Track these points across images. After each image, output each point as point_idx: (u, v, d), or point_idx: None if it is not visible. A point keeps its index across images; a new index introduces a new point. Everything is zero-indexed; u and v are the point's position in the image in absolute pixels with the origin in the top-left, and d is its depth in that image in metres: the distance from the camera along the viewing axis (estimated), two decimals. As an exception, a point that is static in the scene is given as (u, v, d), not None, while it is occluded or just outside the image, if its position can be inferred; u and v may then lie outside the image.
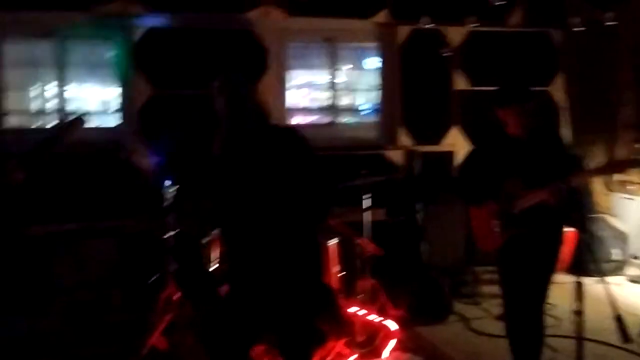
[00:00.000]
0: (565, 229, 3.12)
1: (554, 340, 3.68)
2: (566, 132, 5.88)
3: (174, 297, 3.82)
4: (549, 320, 3.37)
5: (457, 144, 5.81)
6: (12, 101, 5.13)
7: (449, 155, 5.80)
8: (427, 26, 5.18)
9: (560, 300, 3.53)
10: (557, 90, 6.05)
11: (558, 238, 3.06)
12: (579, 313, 2.77)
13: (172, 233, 3.93)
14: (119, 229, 4.87)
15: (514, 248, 3.06)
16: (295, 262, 2.49)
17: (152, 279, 4.10)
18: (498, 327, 3.74)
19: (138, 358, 3.66)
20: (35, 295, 4.64)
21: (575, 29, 5.07)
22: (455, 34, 5.73)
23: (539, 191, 2.89)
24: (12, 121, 5.12)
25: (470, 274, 5.25)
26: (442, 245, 5.28)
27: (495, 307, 4.52)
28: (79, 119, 3.64)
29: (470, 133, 5.80)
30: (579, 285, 2.77)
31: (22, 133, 4.90)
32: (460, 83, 5.83)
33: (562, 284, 3.27)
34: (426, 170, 5.43)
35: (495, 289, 4.89)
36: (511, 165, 3.04)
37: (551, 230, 3.03)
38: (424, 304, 4.46)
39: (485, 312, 4.71)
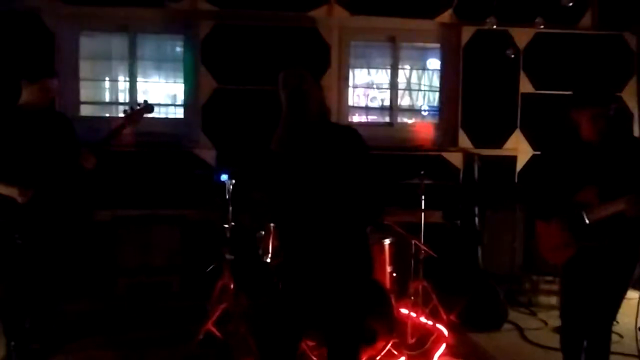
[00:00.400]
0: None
1: (616, 358, 3.53)
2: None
3: (230, 287, 3.92)
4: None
5: (520, 148, 5.66)
6: (86, 91, 5.41)
7: (511, 159, 5.66)
8: (492, 27, 5.06)
9: (624, 317, 3.38)
10: (631, 96, 5.78)
11: (634, 252, 2.86)
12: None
13: (229, 225, 4.03)
14: (181, 218, 5.05)
15: (584, 261, 2.90)
16: (347, 259, 2.49)
17: (209, 268, 4.22)
18: (555, 340, 3.62)
19: (193, 343, 3.79)
20: (100, 276, 4.89)
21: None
22: (521, 36, 5.57)
23: (617, 201, 2.72)
24: (86, 110, 5.40)
25: (528, 283, 5.11)
26: (499, 251, 5.16)
27: (553, 318, 4.39)
28: (147, 107, 3.80)
29: (533, 137, 5.64)
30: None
31: (94, 122, 5.13)
32: (525, 86, 5.67)
33: (627, 299, 3.12)
34: (486, 174, 5.32)
35: (554, 299, 4.78)
36: (584, 172, 2.88)
37: (627, 243, 2.84)
38: (478, 310, 4.37)
39: (541, 322, 4.57)
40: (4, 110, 3.50)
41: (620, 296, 2.90)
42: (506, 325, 4.43)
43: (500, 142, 5.67)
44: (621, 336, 3.83)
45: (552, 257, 3.09)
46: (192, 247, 5.04)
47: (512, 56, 5.25)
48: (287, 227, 2.60)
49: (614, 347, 3.47)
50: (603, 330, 2.92)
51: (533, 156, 5.66)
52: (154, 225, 4.95)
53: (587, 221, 2.84)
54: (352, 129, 2.59)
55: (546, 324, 4.53)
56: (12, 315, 3.51)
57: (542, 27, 4.96)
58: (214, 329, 3.83)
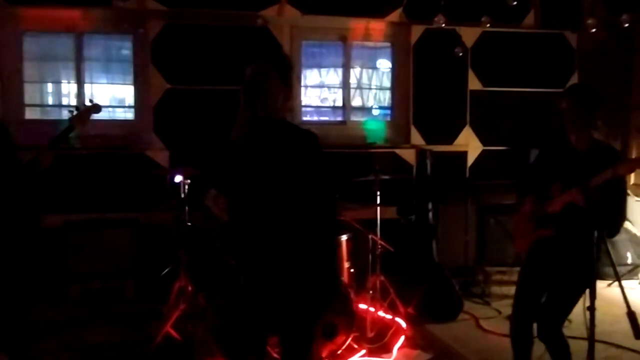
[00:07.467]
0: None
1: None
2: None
3: (187, 289, 3.86)
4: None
5: (470, 144, 5.83)
6: (31, 95, 5.22)
7: (461, 155, 5.81)
8: (441, 26, 5.18)
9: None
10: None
11: (589, 244, 2.66)
12: (591, 314, 2.69)
13: (185, 226, 3.97)
14: (133, 221, 4.94)
15: (541, 251, 2.98)
16: (300, 260, 2.44)
17: (165, 271, 4.14)
18: (507, 327, 3.72)
19: (151, 347, 3.71)
20: (52, 282, 4.72)
21: (591, 31, 5.04)
22: (469, 34, 5.73)
23: (568, 192, 2.79)
24: (31, 114, 5.21)
25: (482, 274, 5.25)
26: (453, 244, 5.31)
27: (506, 307, 4.52)
28: (94, 107, 3.69)
29: (482, 133, 5.82)
30: (592, 287, 2.71)
31: (39, 125, 4.97)
32: (473, 83, 5.83)
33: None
34: (438, 170, 5.45)
35: (506, 289, 4.93)
36: (562, 170, 2.94)
37: (581, 234, 2.78)
38: (435, 302, 4.47)
39: (495, 312, 4.71)
40: None
41: (575, 290, 2.87)
42: (462, 316, 4.55)
43: (451, 139, 5.82)
44: (569, 320, 3.97)
45: (518, 244, 3.15)
46: (146, 250, 4.94)
47: (460, 54, 5.39)
48: (241, 222, 2.53)
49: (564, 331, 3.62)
50: (556, 321, 2.96)
51: (483, 151, 5.84)
52: (106, 229, 4.83)
53: (545, 212, 2.94)
54: (311, 132, 2.57)
55: (500, 312, 4.67)
56: None
57: (488, 25, 5.11)
58: (172, 331, 3.76)
